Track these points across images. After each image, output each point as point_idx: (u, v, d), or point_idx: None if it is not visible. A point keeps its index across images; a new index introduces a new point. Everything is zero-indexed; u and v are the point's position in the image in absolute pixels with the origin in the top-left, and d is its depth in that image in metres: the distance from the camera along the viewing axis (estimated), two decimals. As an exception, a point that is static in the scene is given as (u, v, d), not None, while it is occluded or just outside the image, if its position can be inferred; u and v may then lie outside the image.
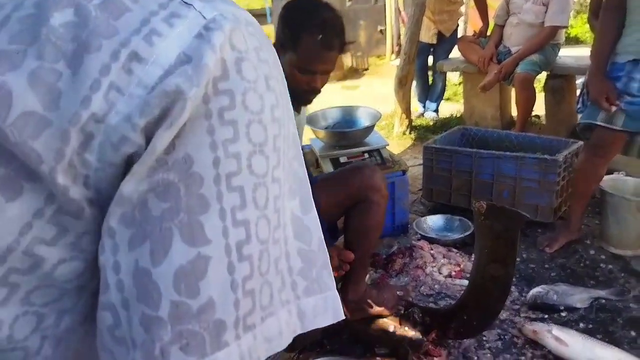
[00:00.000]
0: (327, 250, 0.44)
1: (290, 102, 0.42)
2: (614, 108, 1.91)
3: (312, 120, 2.50)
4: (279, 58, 1.34)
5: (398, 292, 1.69)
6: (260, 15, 10.94)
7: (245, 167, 0.35)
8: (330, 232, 1.68)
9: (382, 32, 8.88)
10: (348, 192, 1.57)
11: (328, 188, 1.61)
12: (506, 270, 1.35)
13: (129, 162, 0.33)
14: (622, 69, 1.92)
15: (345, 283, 1.64)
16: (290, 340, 0.39)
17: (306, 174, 0.43)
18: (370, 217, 1.55)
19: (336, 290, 0.43)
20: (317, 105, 2.84)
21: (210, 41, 0.34)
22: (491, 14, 3.84)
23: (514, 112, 3.69)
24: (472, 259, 1.96)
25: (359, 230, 1.58)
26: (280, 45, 1.47)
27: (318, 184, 1.65)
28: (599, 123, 1.97)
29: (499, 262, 1.34)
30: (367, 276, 2.12)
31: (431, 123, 4.38)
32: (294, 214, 0.41)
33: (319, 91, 1.53)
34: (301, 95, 1.52)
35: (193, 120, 0.33)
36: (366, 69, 8.52)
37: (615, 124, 1.93)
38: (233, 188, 0.35)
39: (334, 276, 1.39)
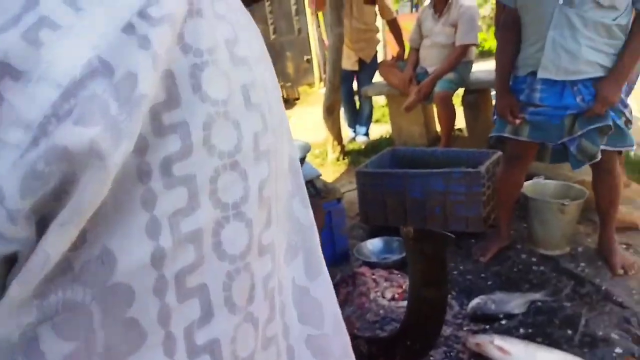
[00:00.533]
0: (345, 328, 0.33)
1: (284, 109, 0.31)
2: (517, 121, 2.04)
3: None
4: None
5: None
6: None
7: (210, 251, 0.23)
8: None
9: (309, 61, 9.07)
10: None
11: None
12: (440, 292, 1.37)
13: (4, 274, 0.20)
14: (524, 81, 2.05)
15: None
16: None
17: (311, 213, 0.33)
18: None
19: None
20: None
21: (149, 41, 0.21)
22: (406, 37, 4.02)
23: (439, 128, 3.85)
24: (412, 279, 1.99)
25: None
26: None
27: None
28: (506, 135, 2.09)
29: (432, 285, 1.36)
30: (313, 310, 2.10)
31: (363, 146, 4.47)
32: (295, 283, 0.30)
33: None
34: None
35: (117, 186, 0.20)
36: (297, 99, 8.64)
37: (521, 135, 2.06)
38: (188, 294, 0.22)
39: None
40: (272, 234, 0.28)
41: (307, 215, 0.33)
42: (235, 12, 0.28)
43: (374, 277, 2.25)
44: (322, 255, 0.34)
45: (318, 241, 0.33)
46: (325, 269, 0.34)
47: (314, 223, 0.33)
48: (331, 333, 0.32)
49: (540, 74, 1.95)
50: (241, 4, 0.30)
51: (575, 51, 1.87)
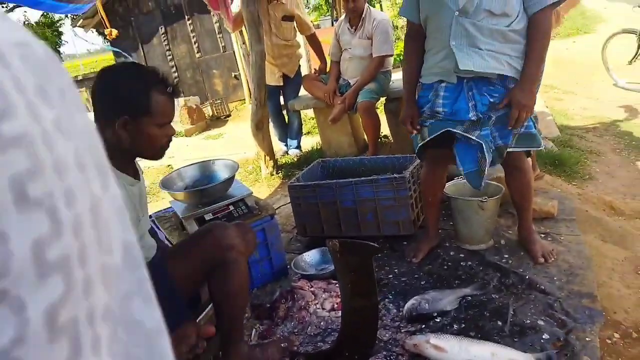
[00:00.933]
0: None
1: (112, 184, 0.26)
2: (415, 132, 2.19)
3: (167, 183, 2.41)
4: (128, 130, 1.23)
5: (282, 344, 1.66)
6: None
7: None
8: (191, 304, 1.60)
9: (237, 77, 9.03)
10: (202, 258, 1.52)
11: (180, 259, 1.54)
12: (370, 301, 1.40)
13: None
14: (430, 88, 2.16)
15: (225, 352, 1.57)
16: None
17: (158, 312, 0.28)
18: (231, 278, 1.51)
19: None
20: (181, 160, 2.78)
21: None
22: (327, 50, 4.12)
23: (366, 136, 3.95)
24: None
25: (224, 294, 1.52)
26: (130, 116, 1.42)
27: (170, 256, 1.57)
28: (420, 144, 2.20)
29: (362, 295, 1.39)
30: (254, 331, 2.07)
31: (296, 159, 4.50)
32: None
33: (171, 139, 1.56)
34: (162, 149, 1.53)
35: None
36: (228, 116, 8.55)
37: (424, 139, 2.18)
38: None
39: (198, 355, 1.30)
40: None
41: (152, 317, 0.27)
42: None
43: (312, 289, 2.26)
44: None
45: (168, 346, 0.28)
46: None
47: (162, 323, 0.27)
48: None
49: (462, 66, 1.99)
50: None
51: (480, 55, 1.98)
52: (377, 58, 3.56)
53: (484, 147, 1.98)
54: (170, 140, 1.55)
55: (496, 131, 2.07)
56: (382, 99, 3.86)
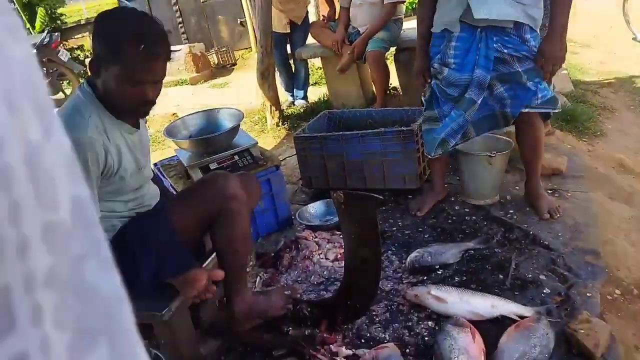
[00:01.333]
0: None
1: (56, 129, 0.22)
2: (426, 85, 2.17)
3: (172, 132, 2.39)
4: (100, 74, 1.18)
5: (285, 292, 1.69)
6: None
7: None
8: (195, 253, 1.61)
9: (243, 24, 8.77)
10: (204, 207, 1.51)
11: (182, 207, 1.54)
12: (373, 251, 1.40)
13: None
14: (442, 37, 2.08)
15: (229, 297, 1.59)
16: None
17: (117, 278, 0.25)
18: (234, 228, 1.51)
19: None
20: (186, 109, 2.74)
21: None
22: (337, -4, 3.96)
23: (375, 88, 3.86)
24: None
25: (227, 243, 1.53)
26: (102, 61, 1.39)
27: (170, 207, 1.57)
28: (423, 98, 2.16)
29: (365, 245, 1.39)
30: (258, 279, 2.10)
31: (302, 110, 4.43)
32: None
33: (153, 102, 1.47)
34: (135, 109, 1.47)
35: None
36: (234, 64, 8.37)
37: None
38: None
39: (206, 299, 1.33)
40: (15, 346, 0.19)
41: (110, 282, 0.23)
42: None
43: (316, 239, 2.28)
44: (137, 336, 0.25)
45: (130, 315, 0.24)
46: (144, 353, 0.24)
47: (122, 290, 0.24)
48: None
49: (476, 15, 1.92)
50: None
51: (495, 2, 1.90)
52: (388, 5, 3.42)
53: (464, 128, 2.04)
54: (147, 103, 1.46)
55: (509, 97, 2.01)
56: (393, 49, 3.74)
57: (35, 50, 5.98)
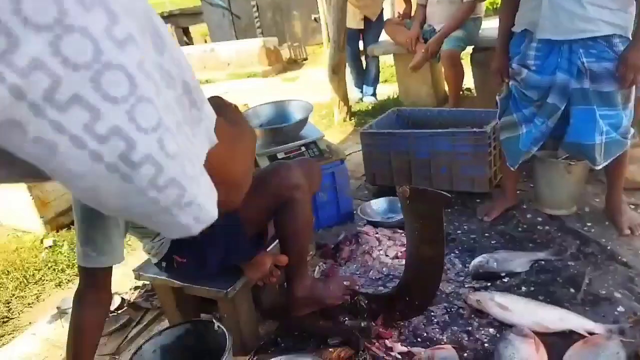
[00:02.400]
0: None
1: None
2: (503, 85, 2.06)
3: (244, 119, 2.46)
4: None
5: (344, 282, 1.69)
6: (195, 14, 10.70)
7: (60, 68, 0.28)
8: (259, 238, 1.65)
9: (317, 20, 8.87)
10: (267, 196, 1.54)
11: (246, 199, 1.57)
12: (437, 250, 1.37)
13: None
14: (522, 39, 1.99)
15: (289, 282, 1.62)
16: None
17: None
18: (296, 216, 1.53)
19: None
20: (257, 101, 2.81)
21: None
22: (414, -6, 3.89)
23: (447, 87, 3.77)
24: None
25: (290, 231, 1.56)
26: None
27: None
28: (499, 96, 2.08)
29: (429, 243, 1.36)
30: (317, 268, 2.12)
31: (370, 107, 4.41)
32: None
33: None
34: None
35: None
36: (305, 59, 8.49)
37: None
38: (66, 105, 0.29)
39: (269, 282, 1.35)
40: (127, 27, 0.28)
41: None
42: None
43: (377, 235, 2.27)
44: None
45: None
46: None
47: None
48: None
49: (539, 35, 1.87)
50: None
51: (574, 9, 1.77)
52: (467, 3, 3.31)
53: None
54: None
55: (606, 118, 1.88)
56: (469, 49, 3.62)
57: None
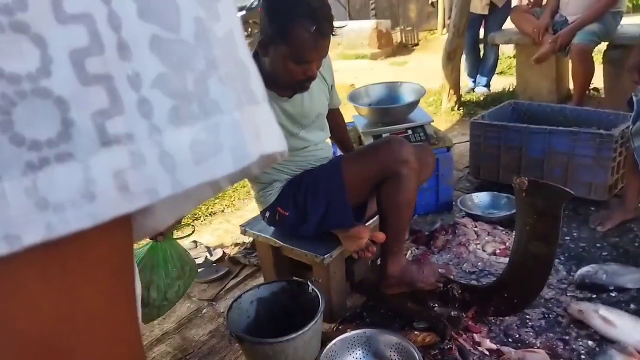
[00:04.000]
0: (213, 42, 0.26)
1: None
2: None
3: (355, 97, 2.50)
4: (269, 52, 1.23)
5: (439, 269, 1.68)
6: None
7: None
8: (358, 214, 1.68)
9: (434, 4, 8.60)
10: (376, 168, 1.56)
11: (355, 166, 1.60)
12: (548, 248, 1.31)
13: None
14: None
15: (384, 258, 1.65)
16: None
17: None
18: (401, 191, 1.54)
19: (238, 113, 0.25)
20: (363, 82, 2.85)
21: None
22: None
23: (571, 85, 3.50)
24: (517, 237, 1.91)
25: (392, 205, 1.57)
26: (270, 39, 1.44)
27: (344, 162, 1.65)
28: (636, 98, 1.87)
29: (540, 240, 1.30)
30: (409, 252, 2.13)
31: (481, 98, 4.23)
32: None
33: (314, 77, 1.52)
34: (297, 84, 1.53)
35: None
36: (416, 44, 8.30)
37: None
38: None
39: (364, 257, 1.36)
40: None
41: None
42: None
43: (475, 229, 2.21)
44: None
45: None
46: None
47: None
48: (192, 41, 0.24)
49: None
50: None
51: None
52: (609, -6, 3.03)
53: None
54: (308, 80, 1.50)
55: None
56: (603, 45, 3.32)
57: (244, 12, 6.71)
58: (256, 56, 1.55)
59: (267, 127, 0.27)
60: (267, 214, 1.70)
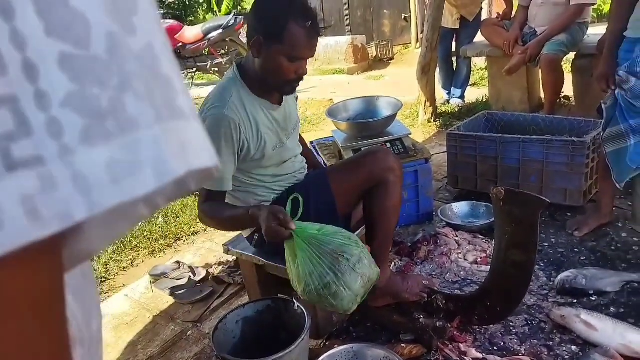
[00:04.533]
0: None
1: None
2: (609, 92, 1.94)
3: (333, 112, 2.52)
4: (261, 52, 1.24)
5: (423, 281, 1.69)
6: None
7: None
8: (345, 224, 1.69)
9: (407, 19, 8.77)
10: (363, 176, 1.58)
11: (341, 176, 1.62)
12: (527, 256, 1.34)
13: None
14: (636, 43, 1.86)
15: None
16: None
17: None
18: (388, 198, 1.56)
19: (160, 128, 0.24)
20: (342, 96, 2.89)
21: None
22: (515, -6, 3.75)
23: (543, 94, 3.60)
24: (498, 245, 1.94)
25: (379, 212, 1.59)
26: (263, 39, 1.46)
27: (330, 173, 1.66)
28: (603, 105, 1.95)
29: (519, 248, 1.33)
30: (392, 264, 2.14)
31: (456, 110, 4.32)
32: None
33: (302, 78, 1.55)
34: (288, 84, 1.55)
35: None
36: (391, 59, 8.44)
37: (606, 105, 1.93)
38: None
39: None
40: None
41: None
42: None
43: (457, 239, 2.24)
44: None
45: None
46: None
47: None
48: (104, 57, 0.23)
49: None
50: None
51: None
52: (575, 6, 3.14)
53: None
54: (299, 78, 1.53)
55: None
56: (571, 55, 3.43)
57: (221, 30, 6.72)
58: (240, 67, 1.57)
59: (195, 142, 0.26)
60: (256, 236, 1.69)
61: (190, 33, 6.81)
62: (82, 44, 0.23)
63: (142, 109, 0.24)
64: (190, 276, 2.29)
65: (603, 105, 2.04)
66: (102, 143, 0.23)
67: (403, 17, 8.99)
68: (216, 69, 6.86)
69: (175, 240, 2.76)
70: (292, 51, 1.44)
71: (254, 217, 1.40)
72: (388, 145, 2.41)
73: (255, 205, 1.50)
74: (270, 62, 1.48)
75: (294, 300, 1.52)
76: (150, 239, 2.77)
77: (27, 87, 0.21)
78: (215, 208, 1.52)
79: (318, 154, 2.69)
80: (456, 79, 4.45)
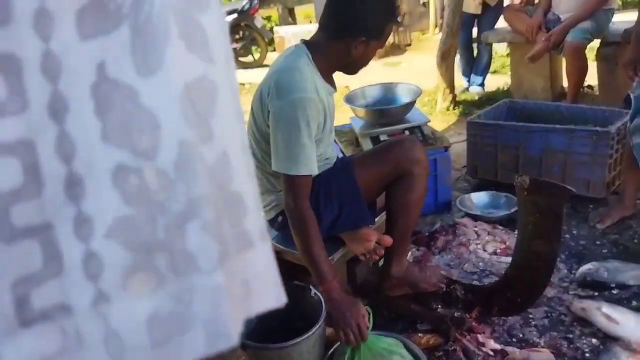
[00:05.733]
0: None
1: None
2: (636, 79, 1.87)
3: (351, 99, 2.49)
4: (357, 48, 1.40)
5: (441, 271, 1.68)
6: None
7: None
8: (369, 211, 1.67)
9: (425, 5, 8.62)
10: (388, 167, 1.56)
11: (367, 165, 1.60)
12: (551, 247, 1.31)
13: None
14: None
15: (387, 259, 1.64)
16: None
17: None
18: (412, 190, 1.54)
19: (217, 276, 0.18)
20: (357, 83, 2.84)
21: None
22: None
23: (565, 82, 3.51)
24: (518, 236, 1.91)
25: (401, 204, 1.57)
26: (367, 37, 1.46)
27: (355, 162, 1.64)
28: (632, 94, 1.88)
29: (543, 238, 1.30)
30: (410, 254, 2.12)
31: (476, 97, 4.24)
32: (106, 76, 0.20)
33: None
34: (358, 69, 1.59)
35: None
36: (409, 45, 8.31)
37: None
38: None
39: (372, 260, 1.36)
40: None
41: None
42: None
43: (476, 229, 2.21)
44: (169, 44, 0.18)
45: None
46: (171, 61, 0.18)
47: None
48: (171, 172, 0.18)
49: None
50: None
51: None
52: (601, -8, 3.04)
53: None
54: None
55: None
56: (595, 42, 3.33)
57: (236, 15, 6.68)
58: (310, 48, 1.52)
59: (261, 279, 0.20)
60: (280, 219, 1.67)
61: (206, 18, 6.78)
62: (148, 153, 0.17)
63: (206, 243, 0.18)
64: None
65: (631, 95, 1.97)
66: (149, 289, 0.17)
67: (421, 2, 8.83)
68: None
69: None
70: (384, 44, 1.54)
71: (331, 297, 1.40)
72: (407, 132, 2.38)
73: (344, 288, 1.48)
74: (366, 57, 1.54)
75: (311, 287, 1.52)
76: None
77: (66, 211, 0.16)
78: (314, 232, 1.42)
79: (335, 141, 2.67)
80: (476, 65, 4.37)
